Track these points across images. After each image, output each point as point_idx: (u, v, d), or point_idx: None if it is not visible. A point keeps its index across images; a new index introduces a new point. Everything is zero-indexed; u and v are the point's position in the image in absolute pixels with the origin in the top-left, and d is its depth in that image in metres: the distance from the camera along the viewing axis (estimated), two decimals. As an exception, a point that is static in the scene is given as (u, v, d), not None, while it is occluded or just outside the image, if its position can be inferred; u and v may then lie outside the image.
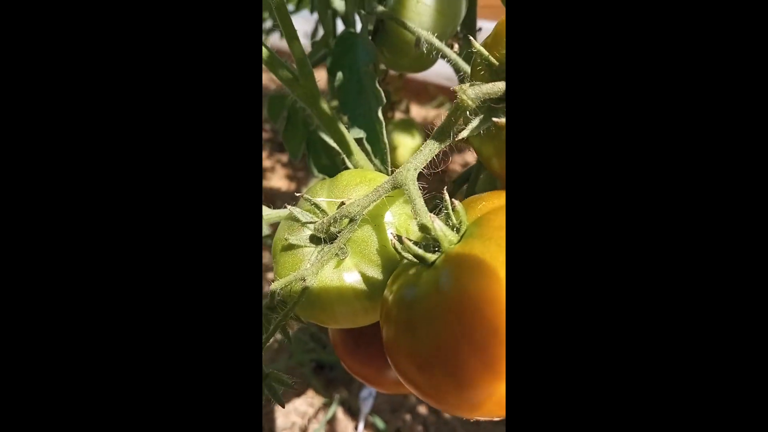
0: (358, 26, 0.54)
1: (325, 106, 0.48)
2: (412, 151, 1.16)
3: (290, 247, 0.37)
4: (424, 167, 0.31)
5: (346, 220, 0.34)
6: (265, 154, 1.81)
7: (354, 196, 0.38)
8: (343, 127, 0.51)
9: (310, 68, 0.45)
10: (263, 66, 0.43)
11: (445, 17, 0.50)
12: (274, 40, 1.36)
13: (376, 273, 0.37)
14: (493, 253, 0.26)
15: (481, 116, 0.30)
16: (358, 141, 0.52)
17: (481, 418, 0.28)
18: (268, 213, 0.42)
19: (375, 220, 0.37)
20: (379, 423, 1.01)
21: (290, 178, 1.72)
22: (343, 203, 0.35)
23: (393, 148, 1.14)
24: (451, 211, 0.30)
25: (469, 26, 0.56)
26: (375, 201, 0.32)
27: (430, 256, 0.29)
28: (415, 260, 0.30)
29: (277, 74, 0.45)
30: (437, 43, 0.46)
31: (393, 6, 0.50)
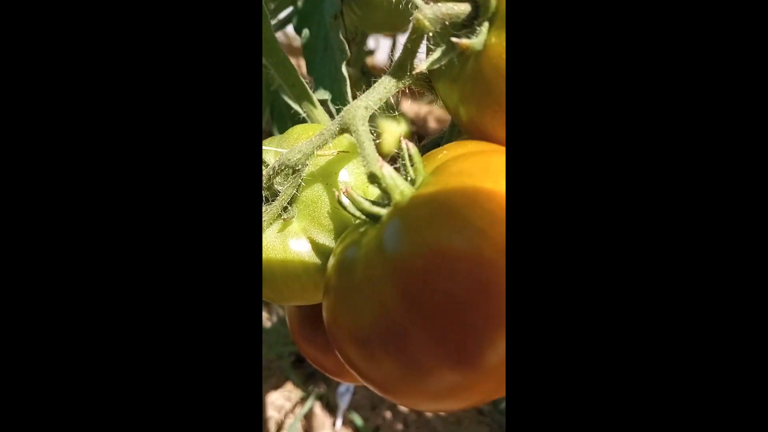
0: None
1: (283, 56, 0.43)
2: (398, 139, 1.11)
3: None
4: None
5: (290, 173, 0.29)
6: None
7: None
8: (306, 84, 0.46)
9: (267, 15, 0.40)
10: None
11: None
12: None
13: (328, 240, 0.32)
14: (452, 204, 0.21)
15: (443, 46, 0.25)
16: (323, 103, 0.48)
17: (442, 412, 0.23)
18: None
19: (327, 178, 0.32)
20: (358, 420, 0.96)
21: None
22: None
23: (377, 135, 1.10)
24: (408, 162, 0.25)
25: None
26: (319, 146, 0.27)
27: (380, 211, 0.24)
28: (365, 218, 0.25)
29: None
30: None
31: (363, -45, 0.45)
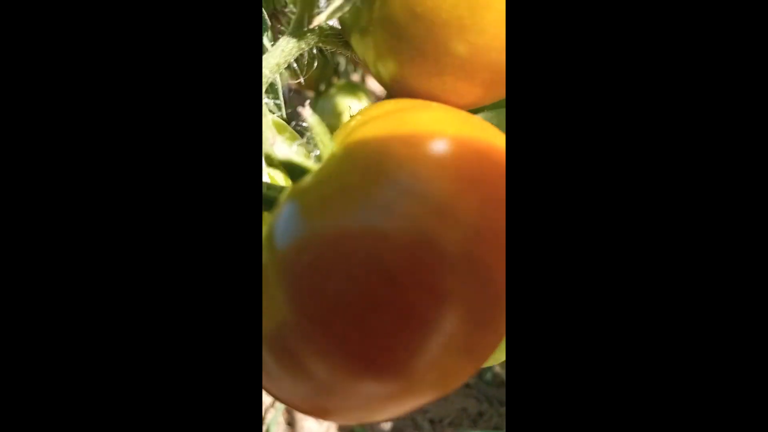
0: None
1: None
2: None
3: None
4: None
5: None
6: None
7: None
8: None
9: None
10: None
11: None
12: None
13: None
14: (351, 179, 0.17)
15: (345, -10, 0.21)
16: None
17: (374, 422, 0.20)
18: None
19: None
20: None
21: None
22: None
23: (338, 114, 1.05)
24: (315, 135, 0.21)
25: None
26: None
27: (273, 195, 0.19)
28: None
29: None
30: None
31: None
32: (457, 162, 0.18)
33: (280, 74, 0.27)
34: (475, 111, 0.25)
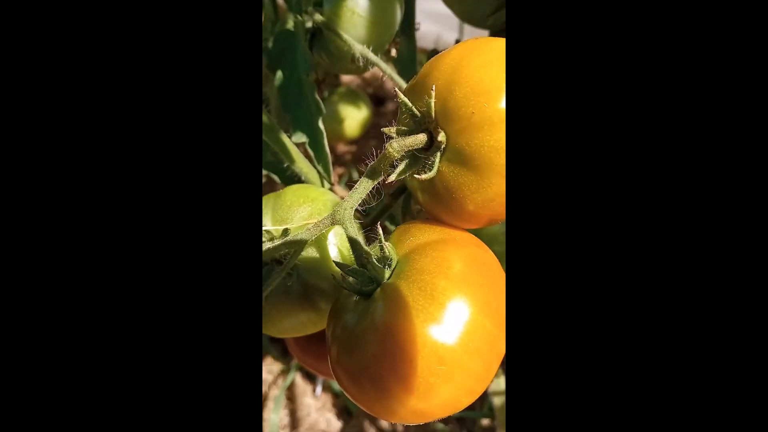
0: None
1: (264, 115, 0.49)
2: (360, 124, 1.17)
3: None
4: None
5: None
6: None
7: (298, 216, 0.41)
8: (283, 134, 0.53)
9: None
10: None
11: (380, 27, 0.51)
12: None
13: (319, 286, 0.41)
14: (411, 293, 0.30)
15: (407, 161, 0.33)
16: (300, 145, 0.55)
17: (400, 422, 0.33)
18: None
19: (318, 242, 0.40)
20: (336, 385, 1.08)
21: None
22: (287, 230, 0.39)
23: (340, 121, 1.15)
24: (384, 244, 0.34)
25: (408, 29, 0.58)
26: (316, 235, 0.35)
27: (366, 290, 0.33)
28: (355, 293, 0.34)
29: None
30: (373, 57, 0.48)
31: (329, 16, 0.51)
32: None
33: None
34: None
